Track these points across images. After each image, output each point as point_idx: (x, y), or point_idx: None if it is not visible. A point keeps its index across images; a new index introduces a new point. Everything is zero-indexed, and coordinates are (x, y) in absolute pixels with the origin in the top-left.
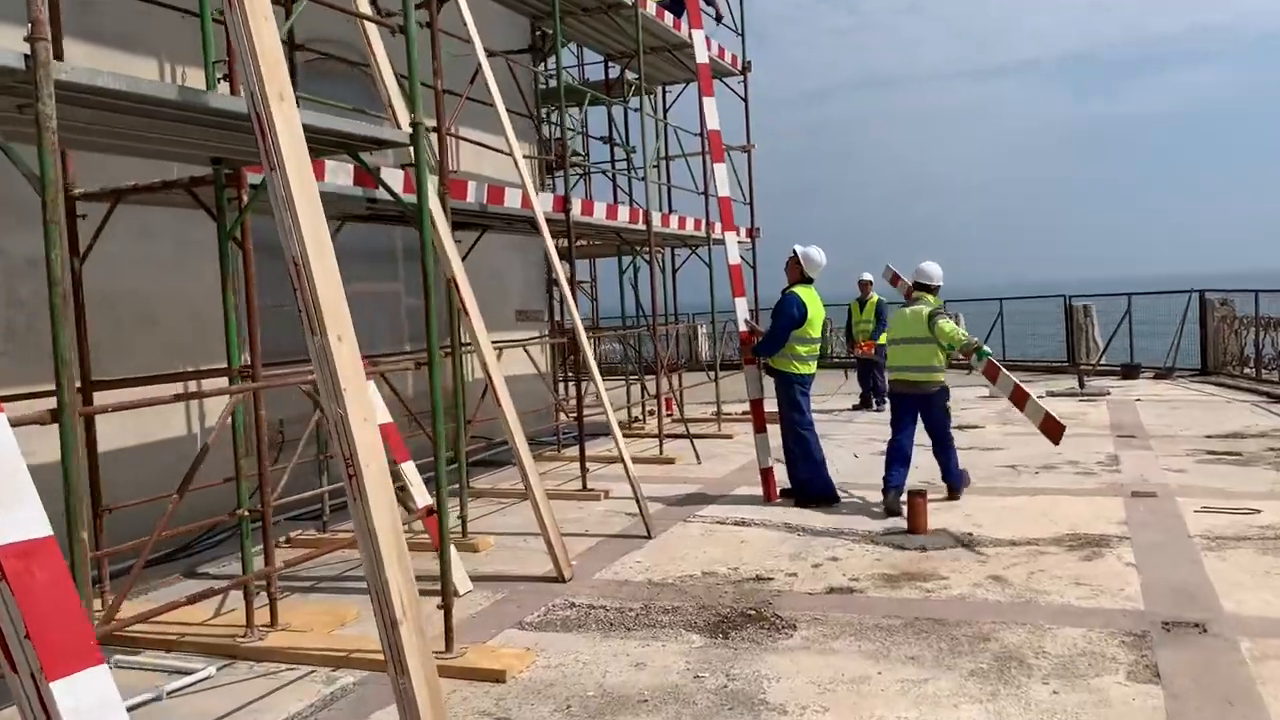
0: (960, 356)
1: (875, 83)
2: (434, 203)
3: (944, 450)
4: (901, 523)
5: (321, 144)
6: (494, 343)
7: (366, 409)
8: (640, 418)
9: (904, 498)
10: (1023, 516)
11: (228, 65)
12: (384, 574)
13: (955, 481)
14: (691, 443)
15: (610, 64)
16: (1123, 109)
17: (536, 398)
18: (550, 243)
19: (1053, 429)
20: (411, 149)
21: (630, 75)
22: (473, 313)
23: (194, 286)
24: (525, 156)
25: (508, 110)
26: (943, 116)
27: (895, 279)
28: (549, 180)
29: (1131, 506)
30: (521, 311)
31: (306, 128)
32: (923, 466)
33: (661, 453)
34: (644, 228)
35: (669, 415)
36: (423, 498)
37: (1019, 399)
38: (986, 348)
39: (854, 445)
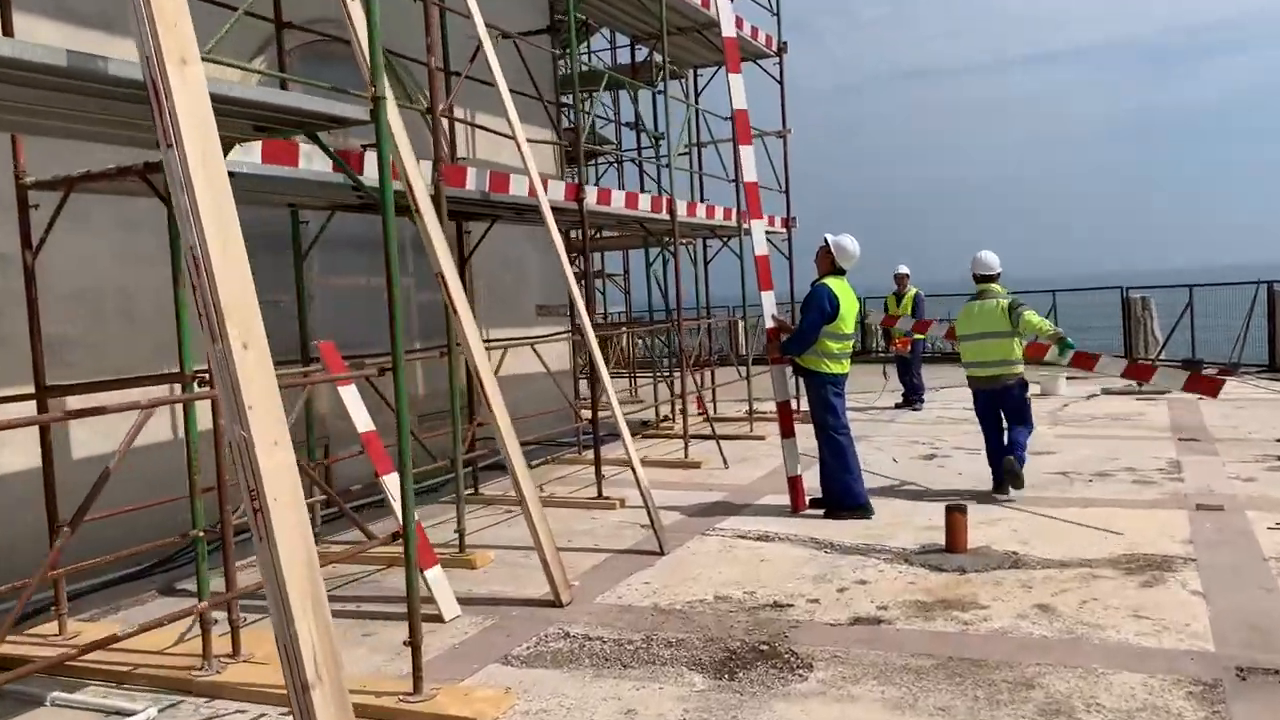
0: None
1: (912, 74)
2: (420, 190)
3: (1023, 430)
4: (939, 538)
5: (272, 123)
6: (507, 340)
7: (277, 431)
8: (670, 416)
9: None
10: (1074, 532)
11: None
12: (293, 628)
13: (1020, 456)
14: (718, 445)
15: (637, 46)
16: (1177, 96)
17: (558, 397)
18: (556, 233)
19: (1204, 387)
20: (386, 127)
21: (660, 58)
22: (461, 311)
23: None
24: (537, 141)
25: (525, 95)
26: (985, 107)
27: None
28: (576, 169)
29: (1196, 521)
30: (542, 306)
31: (249, 104)
32: (967, 473)
33: (687, 456)
34: (668, 217)
35: (699, 414)
36: None
37: (1139, 374)
38: (1070, 338)
39: (894, 448)
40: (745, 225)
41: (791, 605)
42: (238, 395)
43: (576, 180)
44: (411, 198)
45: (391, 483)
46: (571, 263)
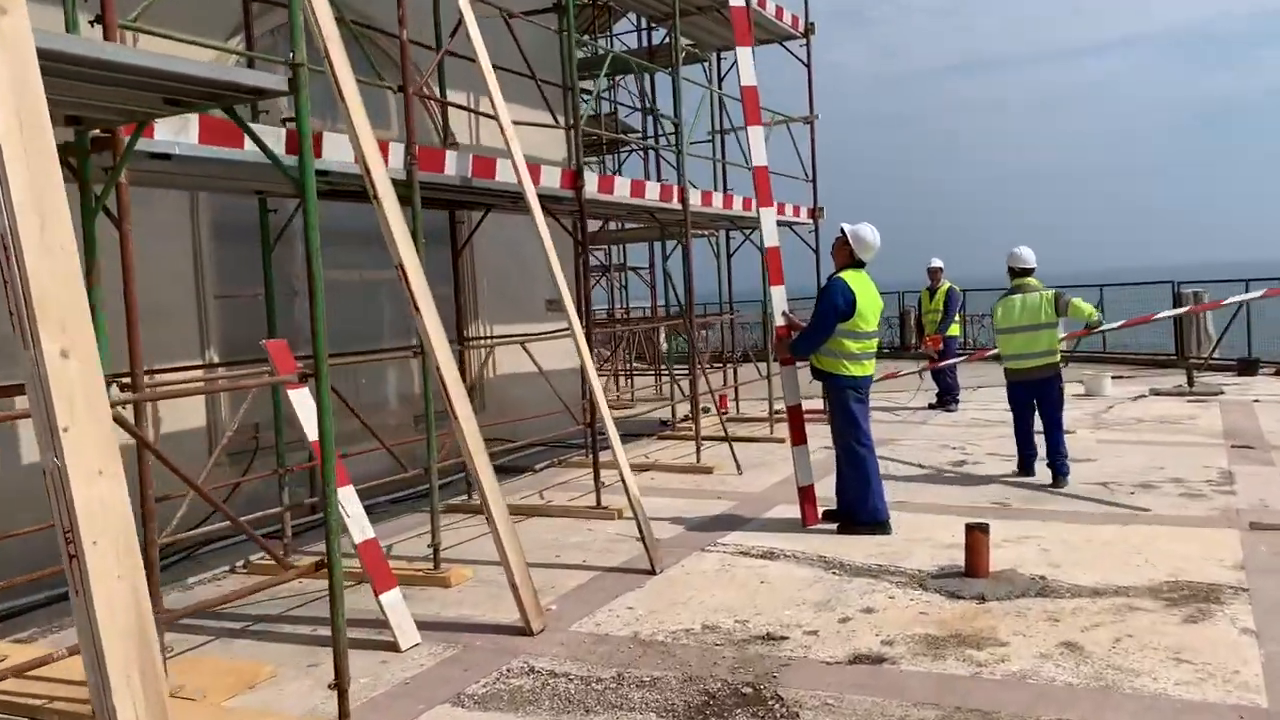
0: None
1: (966, 66)
2: (379, 174)
3: (1057, 431)
4: (960, 558)
5: (182, 95)
6: (515, 336)
7: (101, 458)
8: (690, 416)
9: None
10: (1111, 554)
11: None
12: (111, 701)
13: (1062, 467)
14: (731, 450)
15: (656, 27)
16: (1235, 87)
17: (567, 396)
18: (541, 222)
19: None
20: (306, 99)
21: (682, 41)
22: (424, 307)
23: (142, 274)
24: (535, 124)
25: (531, 78)
26: (1035, 99)
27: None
28: (600, 160)
29: (1250, 544)
30: (552, 301)
31: (146, 73)
32: (998, 482)
33: (699, 460)
34: (680, 207)
35: (722, 413)
36: (362, 531)
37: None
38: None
39: (922, 453)
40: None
41: (786, 638)
42: (50, 414)
43: (607, 170)
44: (369, 182)
45: (345, 497)
46: (580, 255)
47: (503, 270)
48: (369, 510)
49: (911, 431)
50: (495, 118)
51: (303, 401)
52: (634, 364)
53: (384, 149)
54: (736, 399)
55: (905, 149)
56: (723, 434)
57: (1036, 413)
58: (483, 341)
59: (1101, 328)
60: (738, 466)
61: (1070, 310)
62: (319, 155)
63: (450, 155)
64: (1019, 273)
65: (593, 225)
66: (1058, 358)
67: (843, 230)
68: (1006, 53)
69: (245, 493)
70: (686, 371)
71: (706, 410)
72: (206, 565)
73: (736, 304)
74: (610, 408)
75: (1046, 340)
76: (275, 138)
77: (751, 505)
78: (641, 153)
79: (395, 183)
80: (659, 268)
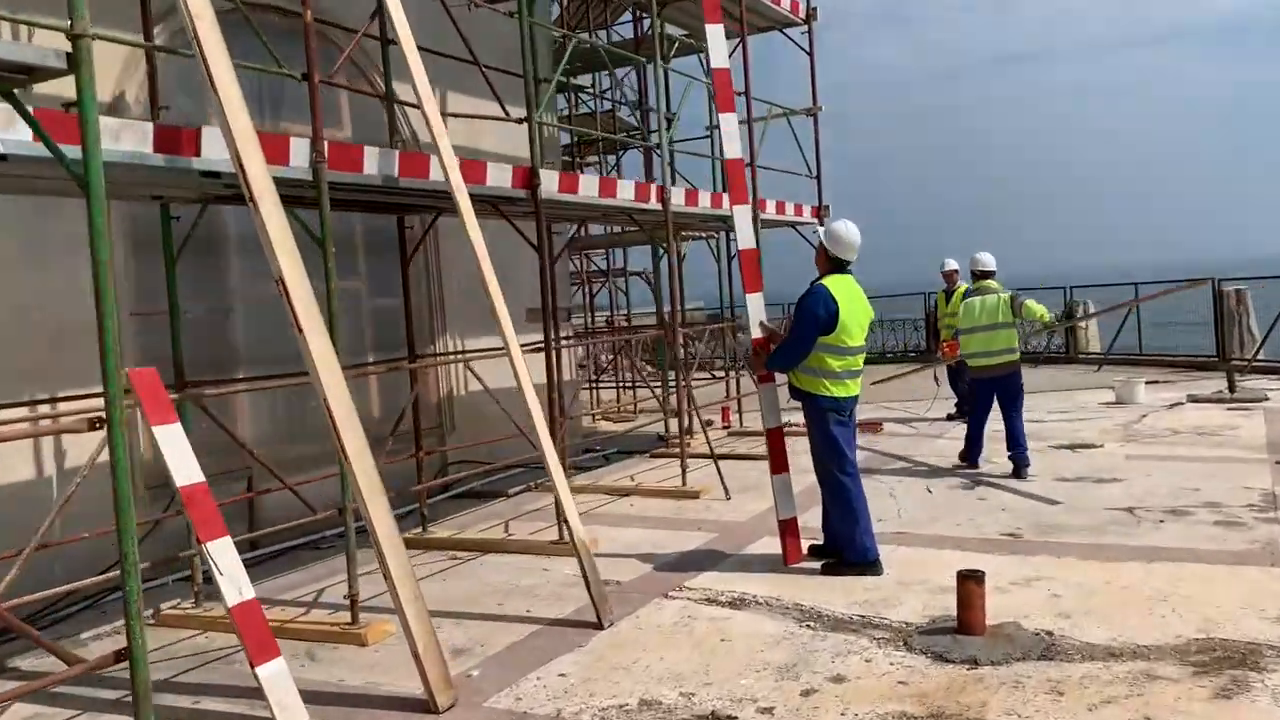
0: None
1: (1006, 59)
2: (257, 172)
3: (1016, 420)
4: (950, 604)
5: None
6: (487, 350)
7: None
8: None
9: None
10: (1131, 601)
11: None
12: None
13: (1023, 459)
14: (719, 472)
15: (643, 17)
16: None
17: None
18: (471, 223)
19: None
20: (89, 78)
21: (675, 31)
22: (309, 328)
23: (52, 291)
24: (490, 118)
25: (510, 74)
26: (1073, 92)
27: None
28: (599, 160)
29: None
30: (534, 310)
31: None
32: (1011, 509)
33: (685, 483)
34: (659, 207)
35: (724, 426)
36: (238, 592)
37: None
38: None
39: (933, 473)
40: (770, 215)
41: (735, 718)
42: None
43: (568, 167)
44: (243, 182)
45: (218, 550)
46: (542, 262)
47: (474, 278)
48: (312, 546)
49: (924, 446)
50: (420, 107)
51: (169, 440)
52: (637, 373)
53: (283, 144)
54: (740, 410)
55: (937, 145)
56: (721, 451)
57: (997, 411)
58: (431, 359)
59: (1057, 326)
60: (725, 491)
61: (1024, 312)
62: (197, 154)
63: (370, 152)
64: (979, 275)
65: (570, 230)
66: (1017, 355)
67: (820, 231)
68: (1040, 48)
69: (168, 529)
70: (687, 382)
71: (710, 423)
72: (110, 616)
73: (739, 309)
74: (611, 421)
75: (1004, 339)
76: (141, 134)
77: (732, 538)
78: (643, 152)
79: (301, 184)
80: (663, 272)
